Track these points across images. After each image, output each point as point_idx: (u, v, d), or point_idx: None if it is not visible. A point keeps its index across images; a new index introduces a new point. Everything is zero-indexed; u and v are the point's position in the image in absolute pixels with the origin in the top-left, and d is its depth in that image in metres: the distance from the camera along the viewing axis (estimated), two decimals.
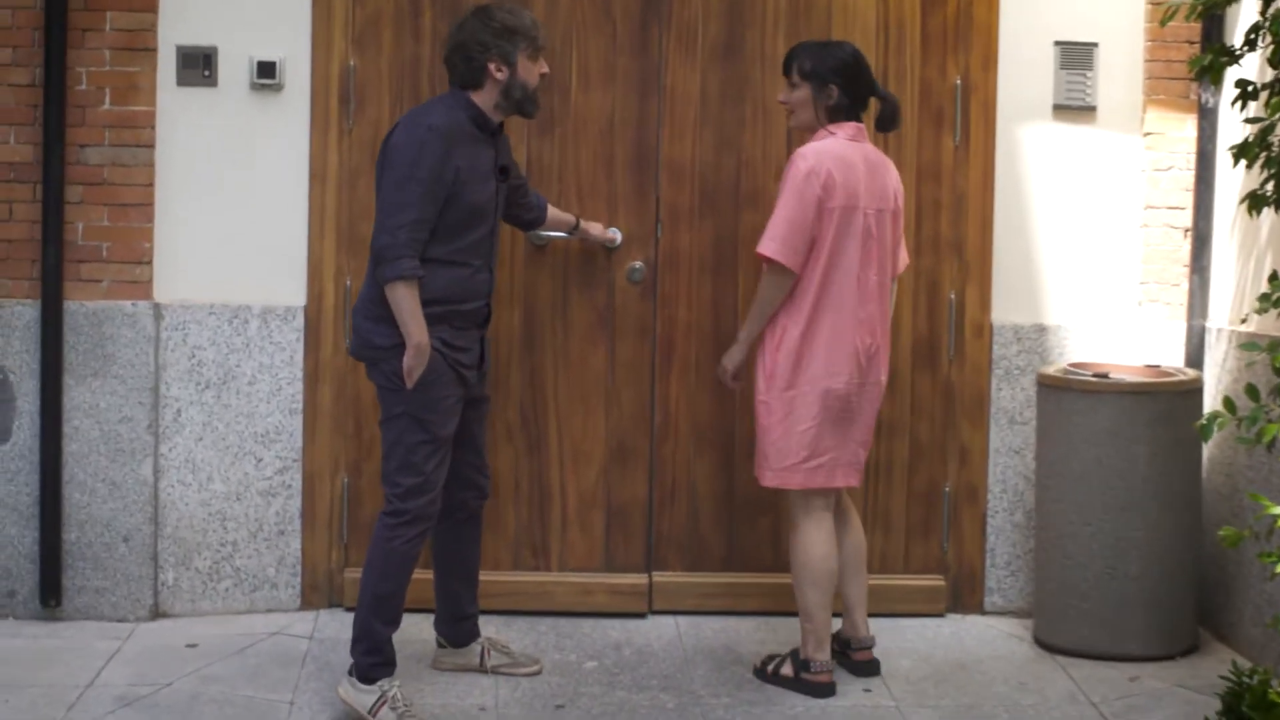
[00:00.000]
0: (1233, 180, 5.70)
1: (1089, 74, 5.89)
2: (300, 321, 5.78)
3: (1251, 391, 4.18)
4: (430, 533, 5.00)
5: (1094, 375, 5.54)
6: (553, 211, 5.50)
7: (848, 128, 5.12)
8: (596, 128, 5.81)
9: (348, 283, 5.73)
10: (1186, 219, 5.95)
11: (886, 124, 5.23)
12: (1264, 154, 4.69)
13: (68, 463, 5.69)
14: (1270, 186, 4.68)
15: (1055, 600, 5.60)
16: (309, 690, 5.12)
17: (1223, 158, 5.72)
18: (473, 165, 4.87)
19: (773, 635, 5.66)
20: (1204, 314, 5.92)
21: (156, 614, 5.78)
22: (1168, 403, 5.48)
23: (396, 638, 4.97)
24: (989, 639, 5.75)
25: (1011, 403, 5.94)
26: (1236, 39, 5.08)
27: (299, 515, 5.83)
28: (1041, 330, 5.95)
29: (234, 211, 5.76)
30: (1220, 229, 5.87)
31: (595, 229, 5.66)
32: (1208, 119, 5.87)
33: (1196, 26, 5.77)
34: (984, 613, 5.98)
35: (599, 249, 5.79)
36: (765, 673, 5.30)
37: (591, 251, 5.80)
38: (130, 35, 5.67)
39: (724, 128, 5.84)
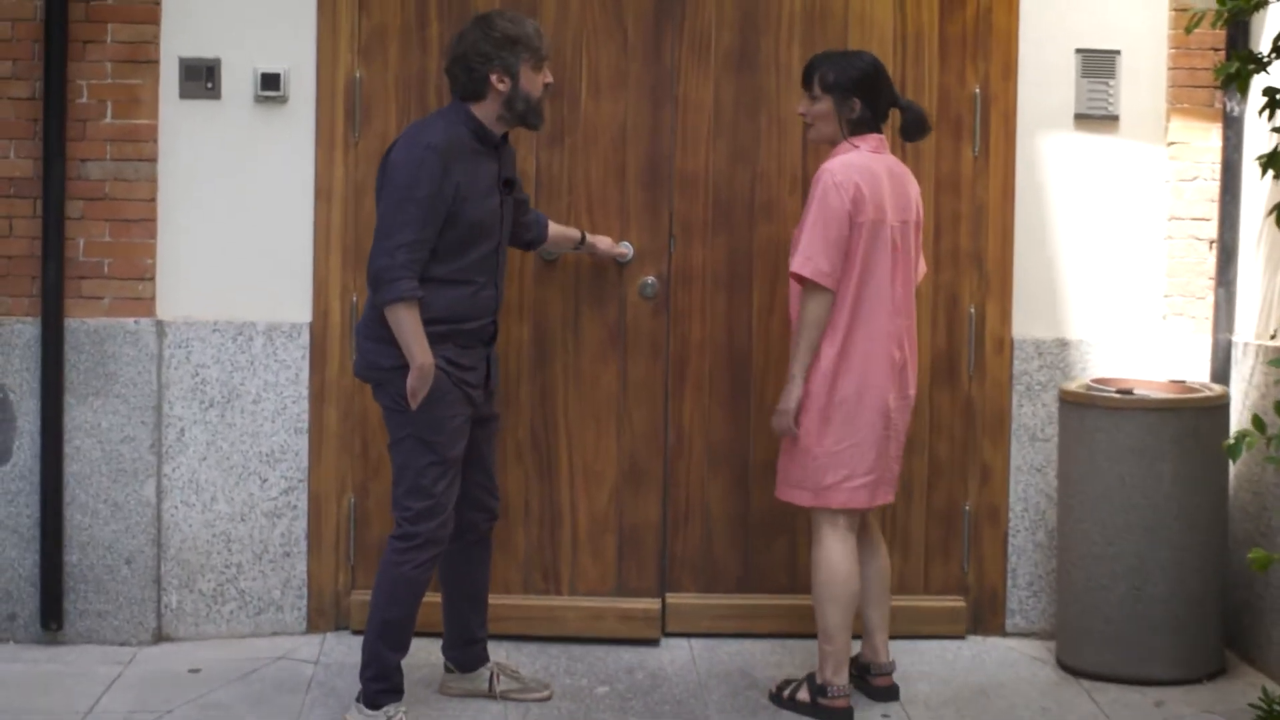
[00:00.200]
0: (1259, 191, 5.64)
1: (1111, 82, 5.82)
2: (306, 339, 5.71)
3: None
4: (441, 556, 4.93)
5: (1117, 391, 5.47)
6: (554, 229, 5.41)
7: (871, 140, 5.07)
8: (608, 138, 5.72)
9: (354, 299, 5.65)
10: (1212, 230, 5.87)
11: (913, 133, 5.17)
12: None
13: (69, 483, 5.63)
14: None
15: (1078, 622, 5.53)
16: (314, 717, 5.06)
17: (1249, 168, 5.66)
18: (473, 181, 4.79)
19: (789, 658, 5.59)
20: (1230, 328, 5.84)
21: (159, 638, 5.71)
22: (1193, 420, 5.41)
23: (404, 662, 4.92)
24: (1010, 662, 5.67)
25: (1033, 419, 5.86)
26: (1263, 45, 5.04)
27: (305, 537, 5.76)
28: (1063, 345, 5.87)
29: (238, 226, 5.70)
30: (1246, 241, 5.81)
31: (603, 243, 5.57)
32: (1233, 128, 5.81)
33: (1221, 33, 5.69)
34: (1005, 635, 5.90)
35: (610, 263, 5.70)
36: (781, 698, 5.22)
37: (603, 266, 5.70)
38: (132, 47, 5.61)
39: (738, 138, 5.76)
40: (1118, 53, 5.82)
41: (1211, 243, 5.87)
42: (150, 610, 5.67)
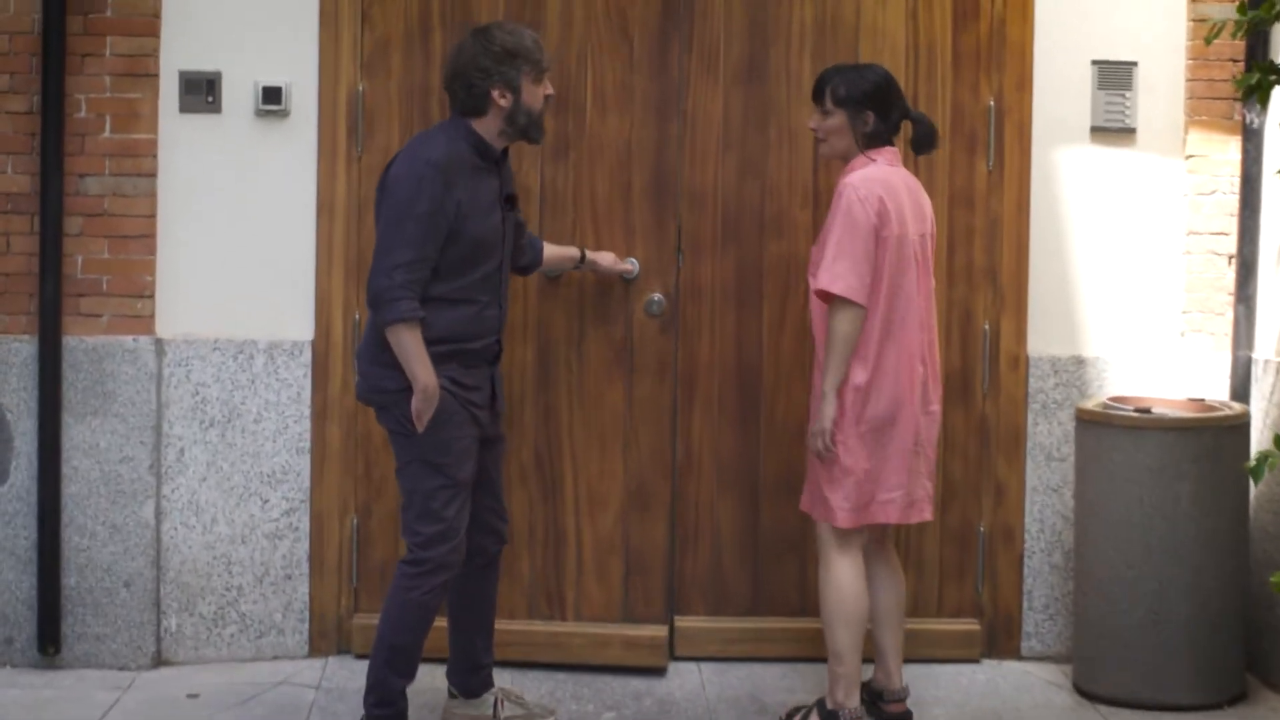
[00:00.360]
0: (1279, 205, 5.56)
1: (1128, 94, 5.75)
2: (308, 357, 5.65)
3: None
4: (451, 582, 4.88)
5: (1135, 410, 5.41)
6: (551, 250, 5.33)
7: (886, 153, 5.02)
8: (613, 152, 5.64)
9: (356, 316, 5.58)
10: (1231, 245, 5.81)
11: (924, 145, 5.12)
12: None
13: (67, 505, 5.57)
14: None
15: (1096, 646, 5.45)
16: None
17: (1269, 181, 5.62)
18: (475, 197, 4.72)
19: (800, 682, 5.52)
20: (1250, 345, 5.77)
21: (159, 662, 5.65)
22: (1213, 438, 5.33)
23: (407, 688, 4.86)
24: (1026, 686, 5.59)
25: (1049, 438, 5.78)
26: None
27: (307, 559, 5.69)
28: (1080, 362, 5.79)
29: (239, 243, 5.64)
30: (1266, 255, 5.73)
31: (605, 259, 5.48)
32: (1253, 140, 5.73)
33: (1240, 44, 5.63)
34: (1021, 658, 5.82)
35: (616, 281, 5.61)
36: None
37: (608, 283, 5.62)
38: (131, 60, 5.56)
39: (747, 152, 5.69)
40: (1134, 64, 5.75)
41: (1231, 258, 5.80)
42: (149, 634, 5.61)
